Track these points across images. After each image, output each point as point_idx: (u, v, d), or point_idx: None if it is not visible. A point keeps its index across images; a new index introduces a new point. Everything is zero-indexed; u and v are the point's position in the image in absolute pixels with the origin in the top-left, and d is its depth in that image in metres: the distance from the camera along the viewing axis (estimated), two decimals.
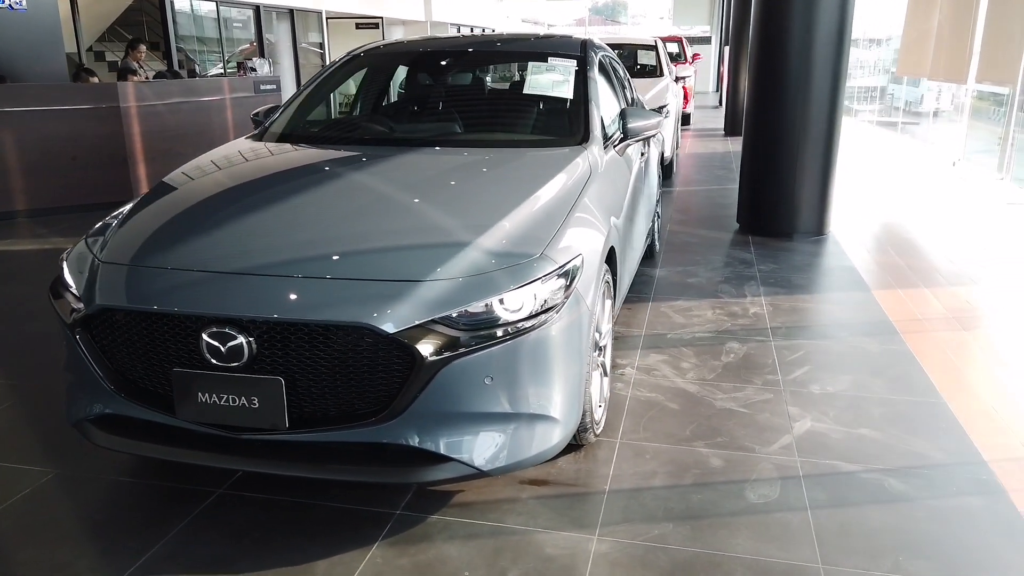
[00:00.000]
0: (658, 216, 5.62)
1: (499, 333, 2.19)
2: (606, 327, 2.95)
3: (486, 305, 2.19)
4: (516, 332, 2.21)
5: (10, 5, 8.78)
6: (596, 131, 3.35)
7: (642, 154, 4.13)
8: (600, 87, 3.72)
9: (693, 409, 3.17)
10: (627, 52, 10.36)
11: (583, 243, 2.53)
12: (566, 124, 3.45)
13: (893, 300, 4.53)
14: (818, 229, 6.09)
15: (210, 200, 2.73)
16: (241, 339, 2.12)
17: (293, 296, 2.14)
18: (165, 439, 2.33)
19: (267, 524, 2.43)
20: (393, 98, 4.18)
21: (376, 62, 3.99)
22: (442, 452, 2.20)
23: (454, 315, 2.15)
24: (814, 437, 2.94)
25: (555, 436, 2.37)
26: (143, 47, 9.04)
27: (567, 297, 2.34)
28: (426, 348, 2.11)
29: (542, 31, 4.34)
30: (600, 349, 2.96)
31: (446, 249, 2.30)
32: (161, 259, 2.34)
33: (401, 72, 4.09)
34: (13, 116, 6.98)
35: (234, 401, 2.17)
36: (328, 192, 2.77)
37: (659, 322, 4.18)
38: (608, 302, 3.00)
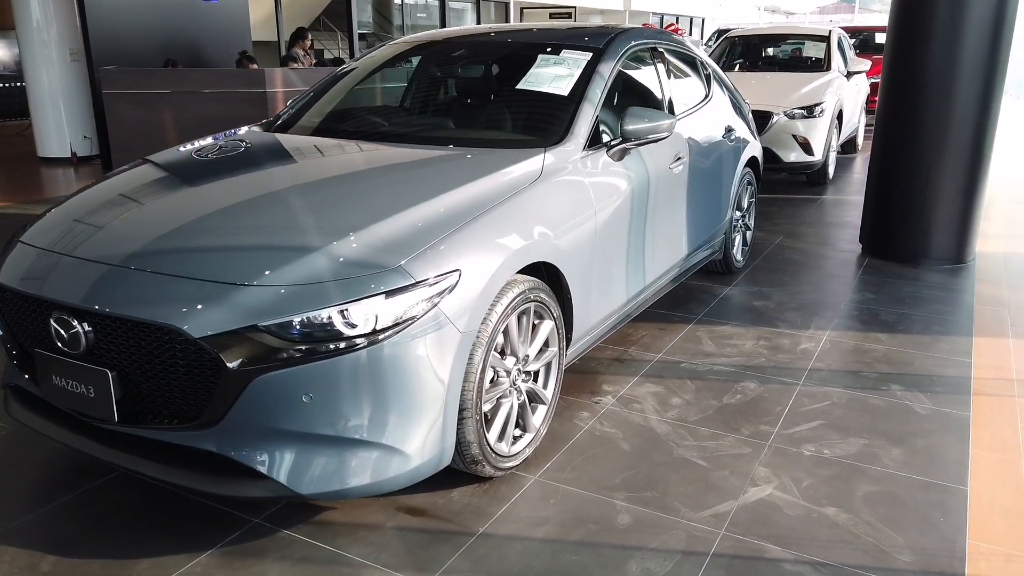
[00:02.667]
0: (748, 228, 5.05)
1: (326, 348, 2.02)
2: (532, 351, 2.65)
3: (314, 317, 2.02)
4: (343, 349, 2.03)
5: None
6: (580, 132, 3.02)
7: (678, 158, 3.68)
8: (612, 84, 3.36)
9: (645, 454, 2.78)
10: (791, 44, 9.45)
11: (469, 257, 2.27)
12: (547, 123, 3.15)
13: (994, 351, 3.71)
14: (956, 255, 5.17)
15: (128, 186, 2.78)
16: (78, 327, 2.13)
17: (117, 289, 2.11)
18: (51, 417, 2.41)
19: (134, 511, 2.44)
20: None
21: (402, 54, 3.88)
22: (257, 468, 2.07)
23: (276, 325, 2.01)
24: (762, 509, 2.46)
25: (396, 467, 2.16)
26: (310, 36, 9.63)
27: (422, 316, 2.11)
28: (234, 357, 1.99)
29: (588, 23, 3.96)
30: (531, 375, 2.68)
31: (289, 252, 2.16)
32: (47, 242, 2.41)
33: (424, 65, 3.95)
34: (174, 97, 7.71)
35: (76, 388, 2.18)
36: (231, 184, 2.73)
37: (684, 348, 3.74)
38: (549, 324, 2.70)
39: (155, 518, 2.40)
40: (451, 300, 2.19)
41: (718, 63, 9.27)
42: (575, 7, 20.09)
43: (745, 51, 9.73)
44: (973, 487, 2.58)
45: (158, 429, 2.15)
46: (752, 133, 4.95)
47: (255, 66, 8.70)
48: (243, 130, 3.55)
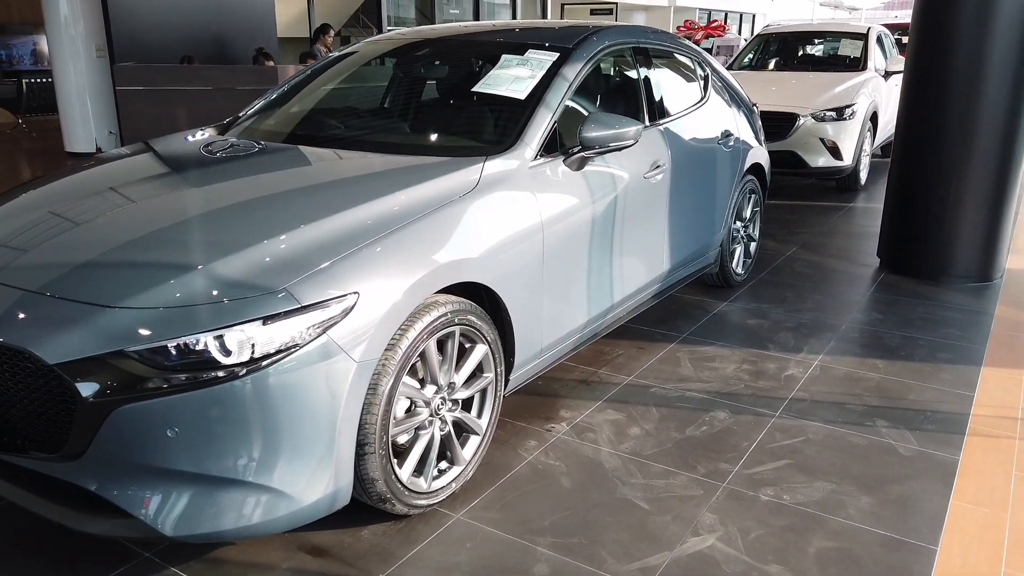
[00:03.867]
0: (752, 239, 4.75)
1: (196, 378, 1.85)
2: (459, 378, 2.44)
3: (185, 344, 1.85)
4: (214, 380, 1.85)
5: None
6: (532, 139, 2.80)
7: (657, 166, 3.42)
8: (582, 87, 3.13)
9: (584, 492, 2.55)
10: (826, 42, 9.01)
11: (371, 278, 2.08)
12: (497, 129, 2.93)
13: (1002, 383, 3.37)
14: (982, 273, 4.78)
15: (36, 196, 2.65)
16: None
17: None
18: None
19: (32, 540, 2.31)
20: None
21: (366, 54, 3.68)
22: (120, 506, 1.91)
23: (143, 351, 1.85)
24: (698, 564, 2.20)
25: (276, 509, 1.97)
26: (332, 33, 9.55)
27: (306, 344, 1.92)
28: (92, 386, 1.83)
29: (563, 21, 3.72)
30: (459, 403, 2.48)
31: (165, 271, 1.99)
32: None
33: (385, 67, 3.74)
34: (188, 94, 7.68)
35: None
36: (134, 193, 2.58)
37: (659, 370, 3.48)
38: (482, 348, 2.49)
39: (46, 550, 2.27)
40: (345, 326, 1.99)
41: (751, 62, 8.92)
42: (617, 3, 19.71)
43: (778, 49, 9.32)
44: (944, 547, 2.28)
45: (28, 458, 2.00)
46: (757, 138, 4.65)
47: (271, 63, 8.65)
48: (200, 132, 3.41)
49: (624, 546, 2.28)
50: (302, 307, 1.93)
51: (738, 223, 4.54)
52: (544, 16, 17.14)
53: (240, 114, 3.54)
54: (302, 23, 14.04)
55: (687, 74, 4.16)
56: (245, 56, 10.23)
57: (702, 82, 4.21)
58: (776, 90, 7.78)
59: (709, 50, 15.90)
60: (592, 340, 3.31)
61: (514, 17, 15.92)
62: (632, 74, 3.58)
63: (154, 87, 7.73)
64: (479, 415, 2.58)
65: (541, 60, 3.14)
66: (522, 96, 2.96)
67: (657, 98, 3.64)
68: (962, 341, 3.85)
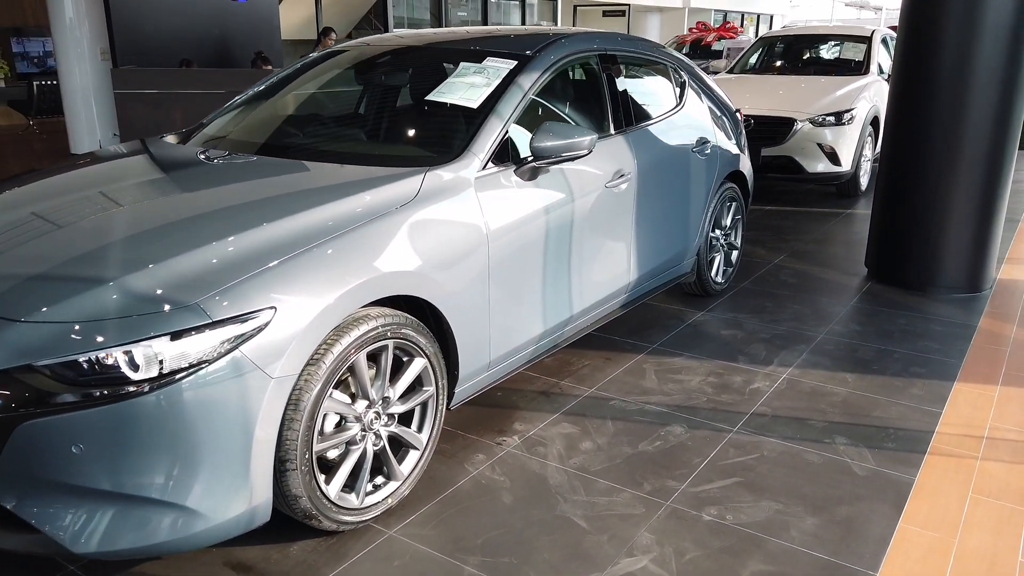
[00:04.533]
0: (733, 247, 4.68)
1: (102, 394, 1.83)
2: (395, 392, 2.41)
3: (92, 359, 1.84)
4: (120, 396, 1.83)
5: None
6: (481, 149, 2.76)
7: (621, 175, 3.37)
8: (541, 96, 3.09)
9: (524, 509, 2.51)
10: (828, 45, 8.89)
11: (291, 292, 2.05)
12: (445, 139, 2.90)
13: (973, 400, 3.28)
14: (970, 283, 4.68)
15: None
16: None
17: None
18: None
19: None
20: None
21: (326, 62, 3.64)
22: (31, 521, 1.90)
23: (50, 365, 1.83)
24: None
25: (188, 528, 1.95)
26: (334, 35, 9.57)
27: (217, 360, 1.90)
28: None
29: (530, 28, 3.63)
30: (395, 418, 2.45)
31: (76, 285, 1.97)
32: None
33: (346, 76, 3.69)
34: (185, 97, 7.73)
35: None
36: (64, 204, 2.56)
37: (623, 382, 3.43)
38: (421, 362, 2.46)
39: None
40: (260, 341, 1.97)
41: (752, 66, 8.81)
42: (629, 4, 19.60)
43: (779, 53, 9.22)
44: (884, 573, 2.22)
45: None
46: (739, 145, 4.58)
47: (269, 67, 8.67)
48: (159, 139, 3.40)
49: (554, 566, 2.24)
50: (213, 322, 1.91)
51: (717, 231, 4.47)
52: (555, 18, 17.09)
53: (203, 120, 3.53)
54: (310, 25, 14.10)
55: (660, 81, 4.11)
56: (247, 60, 10.28)
57: (678, 89, 4.14)
58: (773, 94, 7.69)
59: (719, 53, 15.78)
60: (552, 351, 3.26)
61: (523, 19, 15.89)
62: (598, 82, 3.52)
63: (152, 90, 7.78)
64: (419, 429, 2.55)
65: (498, 68, 3.10)
66: (474, 105, 2.93)
67: (625, 105, 3.58)
68: (939, 355, 3.76)
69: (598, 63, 3.54)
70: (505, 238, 2.75)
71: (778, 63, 9.06)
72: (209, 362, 1.90)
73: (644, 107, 3.84)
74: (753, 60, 9.00)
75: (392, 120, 3.13)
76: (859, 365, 3.64)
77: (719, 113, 4.43)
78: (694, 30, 17.95)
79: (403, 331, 2.36)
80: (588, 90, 3.52)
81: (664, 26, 22.49)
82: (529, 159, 2.87)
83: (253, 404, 1.97)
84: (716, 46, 16.71)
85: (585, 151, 2.91)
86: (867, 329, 4.09)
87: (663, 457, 2.83)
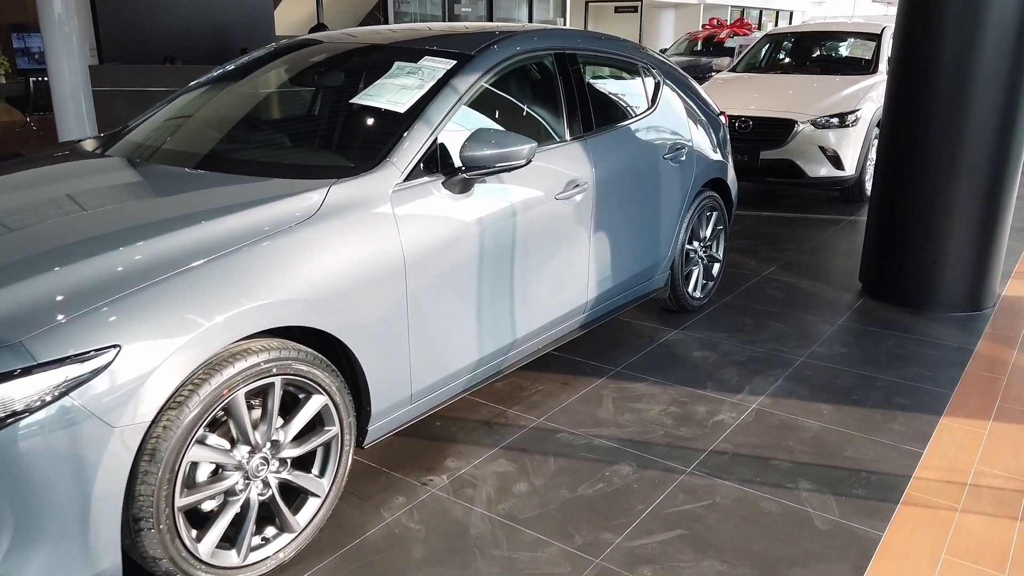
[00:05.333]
0: (715, 260, 4.37)
1: None
2: (287, 434, 2.15)
3: None
4: None
5: None
6: (402, 159, 2.48)
7: (575, 185, 3.08)
8: (481, 100, 2.82)
9: (433, 566, 2.24)
10: (836, 43, 8.52)
11: (143, 327, 1.79)
12: (361, 147, 2.63)
13: (960, 438, 2.96)
14: (971, 301, 4.34)
15: None
16: None
17: None
18: None
19: None
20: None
21: (256, 63, 3.37)
22: None
23: None
24: None
25: None
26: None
27: (42, 408, 1.64)
28: None
29: (485, 25, 3.42)
30: (288, 463, 2.18)
31: None
32: None
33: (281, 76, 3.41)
34: (164, 95, 7.50)
35: None
36: None
37: (575, 411, 3.15)
38: (320, 399, 2.19)
39: None
40: (98, 385, 1.71)
41: (755, 64, 8.46)
42: (642, 0, 19.19)
43: (785, 51, 8.85)
44: None
45: None
46: (721, 151, 4.27)
47: None
48: (76, 144, 3.16)
49: None
50: (38, 364, 1.65)
51: (695, 243, 4.17)
52: (563, 14, 16.75)
53: (127, 124, 3.28)
54: (311, 21, 13.88)
55: (630, 82, 3.81)
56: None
57: (650, 91, 3.84)
58: (774, 94, 7.34)
59: (732, 50, 15.37)
60: (495, 377, 2.99)
61: (530, 15, 15.58)
62: (553, 84, 3.23)
63: (132, 87, 7.57)
64: (321, 474, 2.28)
65: (434, 69, 2.82)
66: (402, 109, 2.65)
67: (584, 109, 3.29)
68: (928, 383, 3.44)
69: (554, 63, 3.25)
70: (429, 257, 2.48)
71: (783, 61, 8.70)
72: (33, 411, 1.64)
73: (608, 111, 3.55)
74: (757, 58, 8.65)
75: (311, 126, 2.87)
76: (838, 394, 3.33)
77: (699, 117, 4.12)
78: (707, 27, 17.54)
79: (295, 366, 2.09)
80: (541, 93, 3.24)
81: (679, 22, 22.07)
82: (459, 170, 2.59)
83: (90, 458, 1.71)
84: (729, 43, 16.29)
85: (523, 161, 2.64)
86: (853, 352, 3.77)
87: (603, 503, 2.54)
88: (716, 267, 4.43)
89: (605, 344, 3.83)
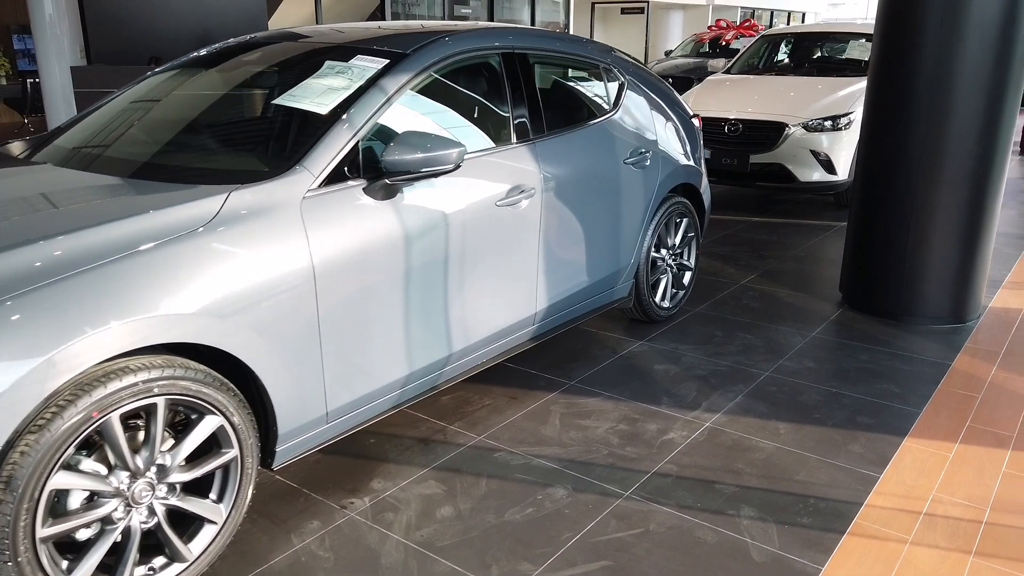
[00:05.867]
0: (687, 268, 4.21)
1: None
2: (175, 458, 2.02)
3: None
4: None
5: None
6: (316, 163, 2.34)
7: (520, 191, 2.93)
8: (413, 102, 2.68)
9: None
10: (832, 44, 8.31)
11: None
12: (274, 151, 2.50)
13: (921, 463, 2.79)
14: (954, 313, 4.15)
15: None
16: None
17: None
18: None
19: None
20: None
21: (187, 64, 3.23)
22: None
23: None
24: None
25: None
26: None
27: None
28: None
29: (433, 24, 3.28)
30: (177, 488, 2.05)
31: None
32: None
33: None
34: None
35: None
36: None
37: (519, 428, 3.00)
38: (215, 420, 2.06)
39: None
40: None
41: (754, 65, 8.27)
42: (648, 1, 18.98)
43: (782, 52, 8.67)
44: None
45: None
46: (692, 156, 4.11)
47: None
48: (7, 148, 3.05)
49: None
50: None
51: (663, 251, 4.01)
52: (567, 15, 16.58)
53: (59, 126, 3.17)
54: (311, 23, 13.81)
55: (589, 84, 3.66)
56: None
57: (613, 92, 3.69)
58: (766, 96, 7.16)
59: (736, 52, 15.15)
60: (432, 392, 2.85)
61: (532, 17, 15.44)
62: (500, 84, 3.09)
63: (112, 89, 7.49)
64: (219, 498, 2.15)
65: (364, 68, 2.69)
66: (324, 111, 2.52)
67: (534, 112, 3.14)
68: (896, 401, 3.26)
69: (501, 63, 3.10)
70: (345, 269, 2.34)
71: (780, 63, 8.52)
72: None
73: (563, 113, 3.40)
74: (754, 60, 8.47)
75: (231, 130, 2.73)
76: (799, 412, 3.16)
77: (668, 120, 3.96)
78: (713, 28, 17.33)
79: (182, 384, 1.96)
80: (486, 94, 3.09)
81: (687, 24, 21.85)
82: (384, 175, 2.45)
83: None
84: (735, 44, 16.08)
85: (451, 165, 2.50)
86: (822, 367, 3.60)
87: (529, 530, 2.39)
88: (687, 275, 4.27)
89: (564, 355, 3.68)
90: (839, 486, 2.63)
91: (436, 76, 2.84)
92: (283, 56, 3.02)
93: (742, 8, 24.03)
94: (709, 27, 17.69)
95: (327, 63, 2.77)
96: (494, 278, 2.92)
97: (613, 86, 3.72)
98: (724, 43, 16.35)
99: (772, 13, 26.47)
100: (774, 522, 2.43)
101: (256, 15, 10.23)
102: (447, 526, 2.41)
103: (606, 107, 3.63)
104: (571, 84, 3.68)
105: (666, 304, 4.10)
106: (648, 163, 3.71)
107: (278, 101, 2.66)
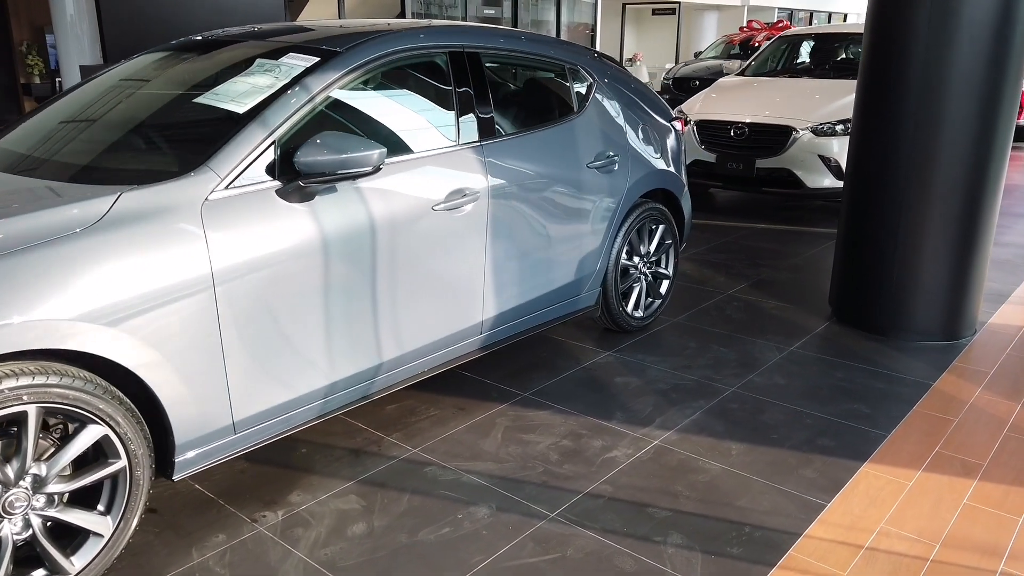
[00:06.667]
0: (664, 277, 4.07)
1: None
2: (51, 469, 1.95)
3: None
4: None
5: None
6: (223, 164, 2.26)
7: (463, 195, 2.82)
8: (342, 103, 2.60)
9: None
10: (851, 44, 8.04)
11: None
12: (186, 150, 2.41)
13: (873, 491, 2.61)
14: (946, 330, 3.93)
15: None
16: None
17: None
18: None
19: None
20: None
21: (133, 63, 3.16)
22: None
23: None
24: None
25: None
26: None
27: None
28: None
29: (397, 22, 3.16)
30: (51, 499, 1.98)
31: None
32: None
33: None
34: None
35: None
36: None
37: (458, 442, 2.89)
38: (97, 430, 1.99)
39: None
40: None
41: (771, 67, 8.03)
42: (680, 2, 18.68)
43: (800, 54, 8.41)
44: None
45: None
46: (670, 159, 3.96)
47: None
48: None
49: None
50: None
51: (635, 259, 3.86)
52: (595, 16, 16.36)
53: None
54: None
55: (551, 84, 3.53)
56: None
57: (579, 93, 3.55)
58: (776, 99, 6.94)
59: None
60: (363, 401, 2.75)
61: (558, 17, 15.28)
62: (446, 84, 2.98)
63: None
64: (107, 510, 2.08)
65: (292, 67, 2.61)
66: (241, 110, 2.44)
67: (483, 113, 3.03)
68: (864, 422, 3.07)
69: (448, 63, 3.00)
70: (252, 275, 2.26)
71: (796, 64, 8.26)
72: None
73: (518, 115, 3.28)
74: (770, 61, 8.24)
75: (150, 129, 2.65)
76: (756, 432, 2.99)
77: (643, 123, 3.81)
78: (744, 29, 16.98)
79: (56, 392, 1.89)
80: (430, 94, 2.98)
81: (721, 25, 21.45)
82: (299, 177, 2.36)
83: None
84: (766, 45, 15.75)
85: (370, 168, 2.40)
86: (792, 383, 3.42)
87: (439, 551, 2.28)
88: (665, 284, 4.11)
89: (525, 365, 3.56)
90: (780, 514, 2.47)
91: (374, 75, 2.75)
92: (223, 55, 2.95)
93: (779, 9, 23.54)
94: (741, 28, 17.36)
95: (257, 61, 2.70)
96: (432, 285, 2.81)
97: (580, 88, 3.58)
98: (755, 45, 16.01)
99: (812, 14, 25.90)
100: (700, 551, 2.28)
101: (274, 14, 10.27)
102: (355, 544, 2.31)
103: (570, 108, 3.50)
104: (531, 86, 3.56)
105: (639, 314, 3.95)
106: (616, 168, 3.57)
107: (200, 100, 2.59)
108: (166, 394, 2.12)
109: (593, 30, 16.24)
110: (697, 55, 16.85)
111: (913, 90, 3.70)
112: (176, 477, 2.25)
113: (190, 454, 2.25)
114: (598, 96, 3.62)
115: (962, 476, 2.70)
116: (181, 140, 2.56)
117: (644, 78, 18.83)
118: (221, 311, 2.20)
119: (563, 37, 15.61)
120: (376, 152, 2.40)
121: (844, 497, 2.57)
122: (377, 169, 2.43)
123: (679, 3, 18.66)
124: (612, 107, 3.68)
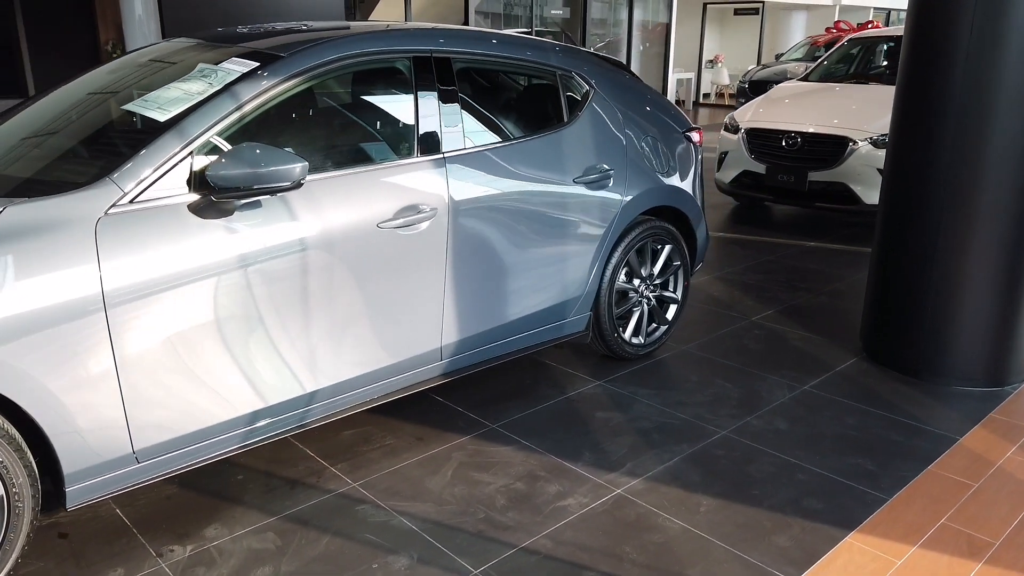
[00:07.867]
0: (669, 301, 3.75)
1: None
2: None
3: None
4: None
5: None
6: (131, 176, 2.12)
7: (417, 211, 2.61)
8: (282, 111, 2.43)
9: None
10: (873, 47, 7.48)
11: None
12: (93, 160, 2.28)
13: (856, 568, 2.25)
14: (990, 375, 3.48)
15: None
16: None
17: None
18: None
19: None
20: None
21: (110, 67, 3.06)
22: None
23: None
24: None
25: None
26: None
27: None
28: None
29: (363, 24, 2.93)
30: None
31: None
32: None
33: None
34: None
35: None
36: None
37: (403, 477, 2.68)
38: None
39: None
40: None
41: (837, 72, 7.51)
42: (764, 1, 17.91)
43: (868, 58, 7.84)
44: None
45: None
46: (677, 174, 3.64)
47: None
48: None
49: None
50: None
51: (635, 281, 3.57)
52: (669, 16, 15.84)
53: None
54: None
55: (537, 93, 3.28)
56: None
57: (569, 103, 3.28)
58: (834, 107, 6.45)
59: None
60: (299, 429, 2.58)
61: (631, 17, 14.87)
62: (407, 92, 2.77)
63: None
64: None
65: (229, 72, 2.45)
66: (163, 118, 2.29)
67: (448, 123, 2.80)
68: (865, 481, 2.70)
69: (412, 69, 2.79)
70: (152, 296, 2.11)
71: (866, 70, 7.69)
72: None
73: (492, 125, 3.04)
74: (837, 66, 7.70)
75: (70, 138, 2.54)
76: (736, 486, 2.67)
77: (648, 134, 3.51)
78: (831, 30, 16.15)
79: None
80: (387, 103, 2.79)
81: (810, 25, 20.50)
82: (213, 192, 2.20)
83: None
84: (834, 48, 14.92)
85: (290, 183, 2.22)
86: (795, 429, 3.07)
87: None
88: (672, 309, 3.79)
89: (503, 392, 3.32)
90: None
91: (322, 82, 2.57)
92: (186, 60, 2.81)
93: (875, 8, 22.35)
94: (827, 29, 16.52)
95: (199, 66, 2.56)
96: (377, 309, 2.61)
97: (573, 96, 3.31)
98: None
99: (893, 13, 24.51)
100: None
101: (334, 15, 10.32)
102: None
103: (556, 119, 3.24)
104: (512, 94, 3.31)
105: (638, 340, 3.65)
106: (609, 182, 3.29)
107: (128, 107, 2.47)
108: (50, 422, 1.99)
109: (668, 30, 15.74)
110: (778, 57, 16.13)
111: (953, 106, 3.27)
112: (70, 507, 2.12)
113: (83, 484, 2.12)
114: (595, 105, 3.34)
115: (966, 557, 2.31)
116: (100, 151, 2.44)
117: (724, 80, 18.18)
118: (115, 335, 2.06)
119: (635, 37, 15.20)
120: (297, 166, 2.21)
121: (824, 568, 2.23)
122: (298, 184, 2.25)
123: (763, 2, 17.89)
124: (612, 117, 3.39)
